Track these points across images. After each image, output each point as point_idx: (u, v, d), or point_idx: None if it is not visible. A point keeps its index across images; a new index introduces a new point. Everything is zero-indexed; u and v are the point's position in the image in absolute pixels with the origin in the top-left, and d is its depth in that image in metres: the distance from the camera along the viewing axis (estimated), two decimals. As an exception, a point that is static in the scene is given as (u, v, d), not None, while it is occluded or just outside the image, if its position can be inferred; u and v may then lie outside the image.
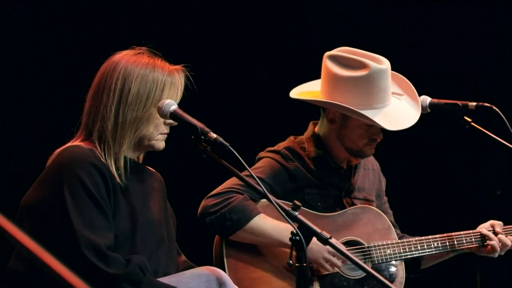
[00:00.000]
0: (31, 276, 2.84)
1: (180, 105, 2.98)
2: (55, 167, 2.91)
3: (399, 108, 3.81)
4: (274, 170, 3.84)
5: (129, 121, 2.95)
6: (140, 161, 3.14)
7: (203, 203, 3.74)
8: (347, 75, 3.75)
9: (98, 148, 2.94)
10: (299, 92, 3.92)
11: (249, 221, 3.67)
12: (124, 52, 3.04)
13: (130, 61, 3.01)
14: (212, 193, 3.75)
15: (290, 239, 2.74)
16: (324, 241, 2.76)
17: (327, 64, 3.81)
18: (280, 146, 3.94)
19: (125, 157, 2.99)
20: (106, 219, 2.85)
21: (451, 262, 4.15)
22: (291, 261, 2.77)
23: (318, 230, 2.77)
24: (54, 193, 2.85)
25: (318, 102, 3.85)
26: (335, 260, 3.70)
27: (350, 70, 3.76)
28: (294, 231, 2.73)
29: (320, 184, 3.89)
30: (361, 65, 3.75)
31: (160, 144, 3.05)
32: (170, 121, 3.01)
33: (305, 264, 2.76)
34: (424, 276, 4.18)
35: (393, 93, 3.85)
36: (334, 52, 3.82)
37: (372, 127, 3.81)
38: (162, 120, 3.00)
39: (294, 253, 2.76)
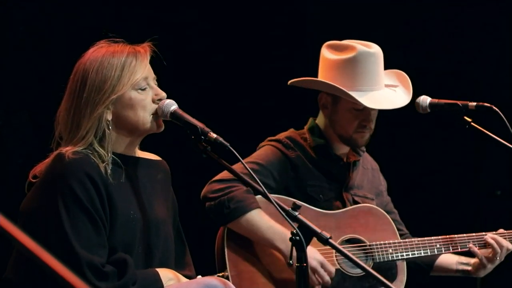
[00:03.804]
0: (26, 287, 2.83)
1: (180, 105, 2.97)
2: (49, 177, 2.86)
3: (389, 95, 3.85)
4: (275, 157, 3.86)
5: (100, 114, 2.88)
6: (138, 151, 3.09)
7: (206, 187, 3.77)
8: (335, 58, 3.86)
9: (92, 150, 2.88)
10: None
11: (246, 213, 3.68)
12: (86, 53, 2.98)
13: (85, 59, 2.95)
14: (217, 178, 3.76)
15: (290, 239, 2.74)
16: (324, 241, 2.76)
17: (322, 52, 3.93)
18: (281, 135, 3.97)
19: (122, 155, 2.96)
20: (100, 235, 2.82)
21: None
22: (291, 261, 2.77)
23: (318, 230, 2.77)
24: (48, 205, 2.81)
25: (301, 82, 3.92)
26: (320, 274, 3.69)
27: (339, 54, 3.88)
28: (294, 231, 2.74)
29: (321, 176, 3.91)
30: (349, 48, 3.85)
31: (157, 124, 2.98)
32: (157, 96, 2.96)
33: (305, 264, 2.76)
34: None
35: (389, 85, 3.90)
36: (331, 41, 3.94)
37: (361, 112, 3.85)
38: (148, 99, 2.95)
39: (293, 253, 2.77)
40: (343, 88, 3.79)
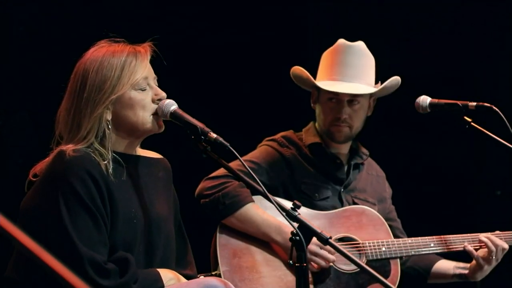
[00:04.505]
0: (27, 285, 2.82)
1: (180, 105, 2.97)
2: (49, 174, 2.85)
3: (356, 86, 3.93)
4: (270, 156, 3.94)
5: (100, 114, 2.88)
6: (139, 150, 3.08)
7: (200, 184, 3.85)
8: (324, 53, 4.02)
9: (92, 148, 2.88)
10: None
11: (241, 208, 3.75)
12: (87, 53, 2.97)
13: (86, 59, 2.95)
14: (211, 175, 3.84)
15: (290, 239, 2.75)
16: (324, 241, 2.77)
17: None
18: (278, 135, 4.07)
19: (122, 154, 2.96)
20: (101, 232, 2.81)
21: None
22: (291, 261, 2.78)
23: (318, 230, 2.77)
24: (49, 203, 2.80)
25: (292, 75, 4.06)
26: (322, 254, 3.73)
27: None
28: (294, 231, 2.74)
29: (317, 175, 3.95)
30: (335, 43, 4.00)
31: (157, 124, 2.97)
32: (157, 96, 2.96)
33: (305, 264, 2.76)
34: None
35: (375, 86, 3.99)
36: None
37: (335, 104, 3.95)
38: (148, 99, 2.94)
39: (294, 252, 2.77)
40: (311, 78, 3.93)
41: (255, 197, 3.79)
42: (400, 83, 4.01)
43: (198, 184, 3.88)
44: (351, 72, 3.92)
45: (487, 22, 5.45)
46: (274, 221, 3.72)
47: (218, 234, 3.78)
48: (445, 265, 4.05)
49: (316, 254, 3.71)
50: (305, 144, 4.00)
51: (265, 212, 3.75)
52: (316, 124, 4.06)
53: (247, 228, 3.75)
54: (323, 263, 3.73)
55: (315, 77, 4.03)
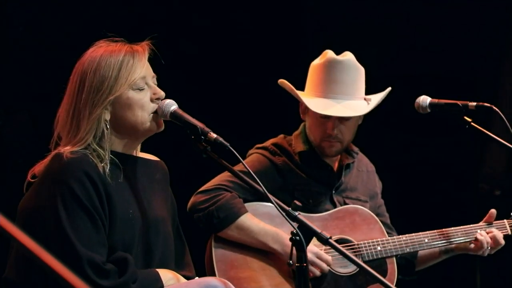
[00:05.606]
0: (27, 286, 2.82)
1: (180, 104, 2.96)
2: (47, 176, 2.85)
3: (346, 104, 3.86)
4: (262, 165, 3.91)
5: (99, 115, 2.87)
6: (138, 152, 3.08)
7: (192, 199, 3.82)
8: (314, 64, 3.93)
9: (90, 149, 2.87)
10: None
11: (236, 220, 3.73)
12: (85, 53, 2.96)
13: (84, 59, 2.94)
14: (201, 189, 3.82)
15: (290, 239, 2.75)
16: (324, 241, 2.77)
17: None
18: (268, 142, 4.03)
19: (120, 154, 2.95)
20: (99, 233, 2.81)
21: (451, 262, 4.16)
22: (291, 261, 2.78)
23: (318, 230, 2.77)
24: (47, 204, 2.80)
25: (281, 84, 3.96)
26: (317, 264, 3.73)
27: (319, 60, 3.94)
28: (294, 231, 2.74)
29: (309, 181, 3.93)
30: (324, 56, 3.91)
31: (157, 123, 2.96)
32: (155, 95, 2.95)
33: (305, 264, 2.76)
34: (424, 275, 4.19)
35: (363, 97, 3.92)
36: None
37: (326, 120, 3.88)
38: (146, 99, 2.93)
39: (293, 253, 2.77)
40: (298, 93, 3.85)
41: (247, 206, 3.78)
42: (389, 90, 3.98)
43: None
44: (341, 89, 3.84)
45: (487, 22, 5.45)
46: (270, 229, 3.72)
47: (213, 248, 3.76)
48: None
49: (311, 263, 3.71)
50: (295, 152, 3.97)
51: (261, 221, 3.75)
52: (307, 131, 4.01)
53: (244, 238, 3.74)
54: (317, 272, 3.73)
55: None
